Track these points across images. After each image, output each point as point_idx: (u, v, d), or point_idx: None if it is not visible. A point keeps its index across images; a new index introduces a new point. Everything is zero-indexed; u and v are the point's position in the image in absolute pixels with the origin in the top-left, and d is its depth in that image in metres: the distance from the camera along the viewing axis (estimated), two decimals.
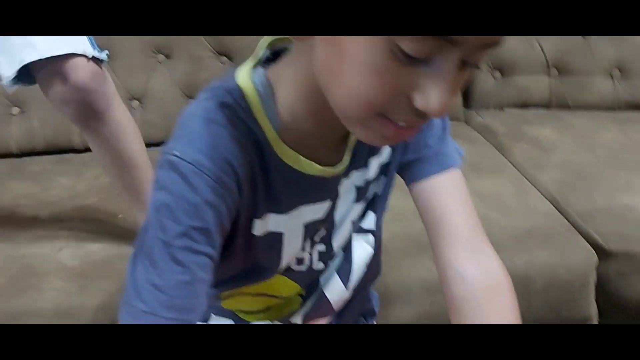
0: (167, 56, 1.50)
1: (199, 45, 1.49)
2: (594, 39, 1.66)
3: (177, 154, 0.49)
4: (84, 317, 0.93)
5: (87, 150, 1.45)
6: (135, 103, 1.49)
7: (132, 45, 1.46)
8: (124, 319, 0.50)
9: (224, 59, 1.52)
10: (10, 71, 0.92)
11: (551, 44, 1.67)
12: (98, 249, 1.06)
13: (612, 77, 1.68)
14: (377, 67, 0.42)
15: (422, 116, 0.44)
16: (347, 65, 0.43)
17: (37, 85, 0.98)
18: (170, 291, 0.49)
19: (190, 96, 1.50)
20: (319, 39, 0.46)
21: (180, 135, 0.50)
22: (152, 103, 1.48)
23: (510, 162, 1.39)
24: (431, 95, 0.42)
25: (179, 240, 0.48)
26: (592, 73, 1.67)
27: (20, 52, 0.90)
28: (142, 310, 0.49)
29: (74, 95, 0.92)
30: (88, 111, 0.95)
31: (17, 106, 1.44)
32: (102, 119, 0.97)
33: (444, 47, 0.40)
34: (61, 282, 0.98)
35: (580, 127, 1.55)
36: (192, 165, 0.48)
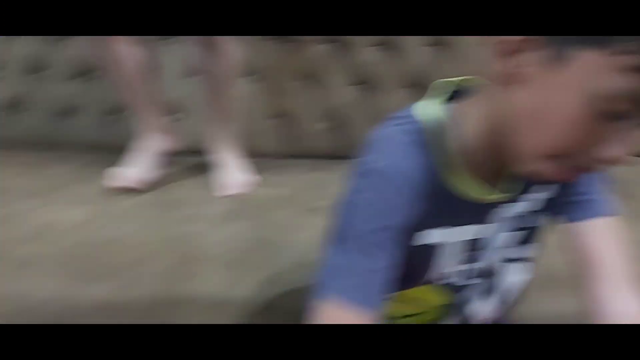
0: None
1: None
2: None
3: (377, 165, 0.57)
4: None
5: None
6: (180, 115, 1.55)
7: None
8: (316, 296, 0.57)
9: None
10: None
11: None
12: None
13: None
14: (583, 123, 0.49)
15: (601, 164, 0.52)
16: (554, 116, 0.50)
17: None
18: (359, 277, 0.56)
19: None
20: (526, 86, 0.51)
21: (377, 150, 0.59)
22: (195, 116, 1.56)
23: None
24: (618, 148, 0.50)
25: (371, 236, 0.56)
26: None
27: None
28: (334, 289, 0.56)
29: None
30: None
31: None
32: None
33: None
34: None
35: None
36: (389, 174, 0.57)
